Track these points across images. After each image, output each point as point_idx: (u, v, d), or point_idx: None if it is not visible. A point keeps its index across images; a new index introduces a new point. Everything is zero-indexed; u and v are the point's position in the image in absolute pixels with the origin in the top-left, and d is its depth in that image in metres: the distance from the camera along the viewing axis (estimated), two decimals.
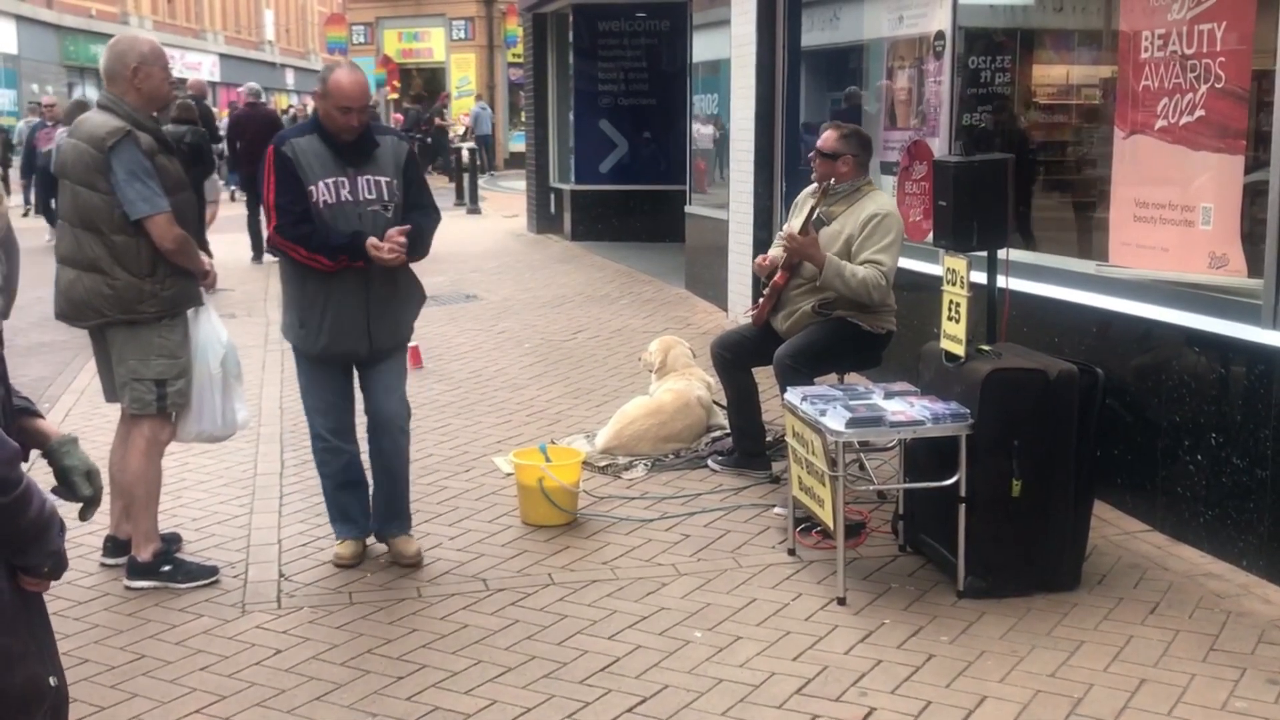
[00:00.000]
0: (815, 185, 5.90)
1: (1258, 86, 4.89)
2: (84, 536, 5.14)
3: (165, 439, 4.96)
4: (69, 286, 4.79)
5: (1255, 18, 4.83)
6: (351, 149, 4.85)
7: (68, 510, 2.38)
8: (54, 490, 2.41)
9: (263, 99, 17.08)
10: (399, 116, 31.98)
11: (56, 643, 2.48)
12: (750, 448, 6.15)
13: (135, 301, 4.72)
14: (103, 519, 5.03)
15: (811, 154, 5.94)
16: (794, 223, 5.88)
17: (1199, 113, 5.07)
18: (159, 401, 4.82)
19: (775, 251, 6.01)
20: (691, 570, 4.95)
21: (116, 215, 4.66)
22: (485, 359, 9.01)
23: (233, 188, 19.63)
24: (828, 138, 5.83)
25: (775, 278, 5.86)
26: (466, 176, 21.22)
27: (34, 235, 14.25)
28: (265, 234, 16.53)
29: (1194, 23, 5.06)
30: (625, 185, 15.84)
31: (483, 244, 16.26)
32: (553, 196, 16.95)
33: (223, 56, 45.46)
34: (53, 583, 2.37)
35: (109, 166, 4.62)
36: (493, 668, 4.12)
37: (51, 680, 2.34)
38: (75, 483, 2.44)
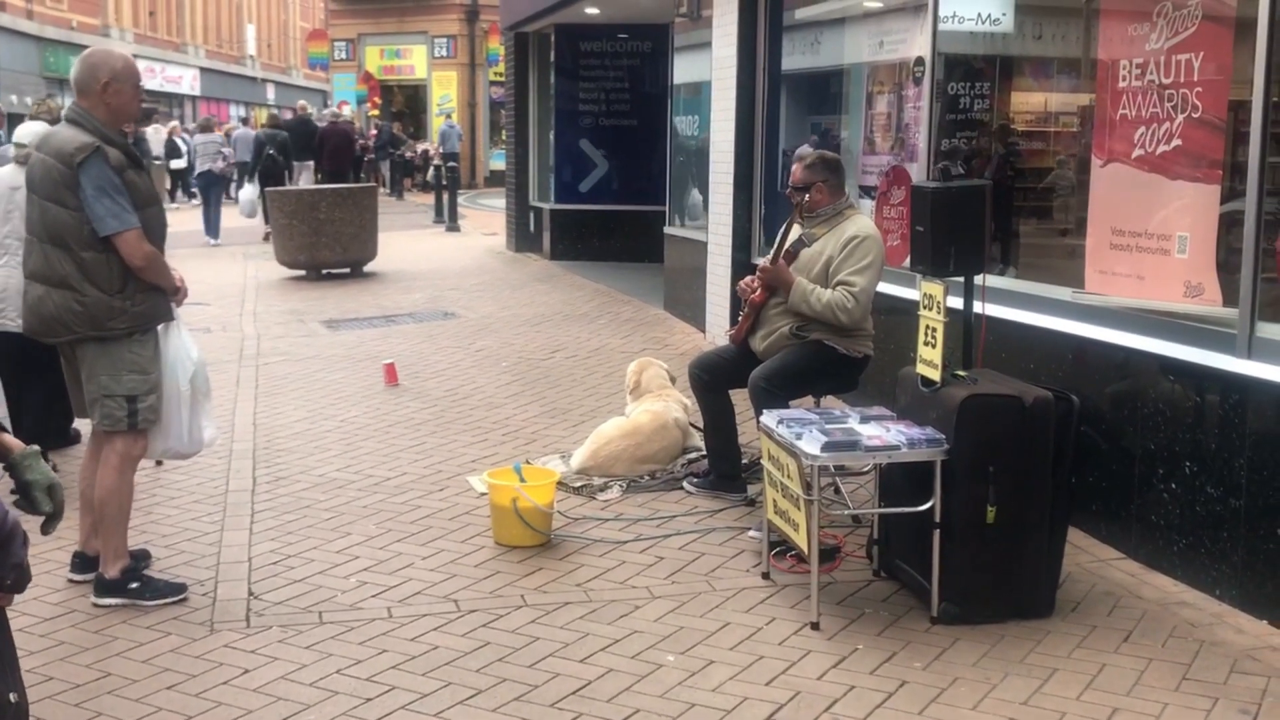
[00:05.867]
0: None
1: (1234, 117, 4.92)
2: (52, 552, 5.09)
3: (138, 455, 4.91)
4: (38, 302, 4.73)
5: (1233, 48, 4.86)
6: None
7: (32, 524, 2.35)
8: (15, 504, 2.38)
9: (342, 117, 24.14)
10: (374, 132, 31.92)
11: (19, 659, 2.45)
12: (726, 470, 6.14)
13: (105, 318, 4.67)
14: (71, 534, 4.98)
15: (788, 191, 5.98)
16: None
17: (1176, 142, 5.09)
18: (130, 418, 4.77)
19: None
20: (665, 593, 4.93)
21: (85, 231, 4.60)
22: (462, 377, 8.98)
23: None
24: (794, 172, 5.93)
25: (754, 295, 5.88)
26: (445, 194, 21.18)
27: None
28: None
29: (1172, 52, 5.09)
30: (605, 205, 15.85)
31: (461, 261, 16.24)
32: (532, 215, 16.95)
33: (203, 70, 45.35)
34: (15, 597, 2.34)
35: (77, 182, 4.56)
36: (463, 690, 4.08)
37: (11, 696, 2.31)
38: (36, 498, 2.42)
